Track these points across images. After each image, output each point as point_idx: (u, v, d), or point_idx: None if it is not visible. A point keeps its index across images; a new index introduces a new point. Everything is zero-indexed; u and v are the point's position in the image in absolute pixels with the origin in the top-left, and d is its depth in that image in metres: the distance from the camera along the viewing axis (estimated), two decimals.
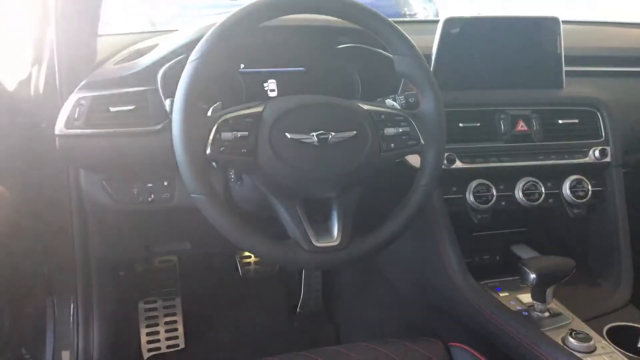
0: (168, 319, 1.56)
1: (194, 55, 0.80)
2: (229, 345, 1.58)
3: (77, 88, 0.97)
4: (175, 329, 1.55)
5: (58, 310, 1.21)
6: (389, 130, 0.86)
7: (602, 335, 0.95)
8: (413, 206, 0.87)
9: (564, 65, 1.19)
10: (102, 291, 1.20)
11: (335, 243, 0.82)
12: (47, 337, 1.21)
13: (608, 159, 1.16)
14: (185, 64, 0.81)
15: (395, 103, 0.94)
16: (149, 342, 1.52)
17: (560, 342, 0.92)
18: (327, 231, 0.83)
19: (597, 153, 1.15)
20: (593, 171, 1.17)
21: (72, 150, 0.97)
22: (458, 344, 0.98)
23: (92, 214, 1.08)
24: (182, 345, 1.54)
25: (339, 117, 0.84)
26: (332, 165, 0.83)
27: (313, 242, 0.81)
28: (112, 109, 0.95)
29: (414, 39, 0.89)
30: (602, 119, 1.18)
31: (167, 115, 0.91)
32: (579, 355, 0.88)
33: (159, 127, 0.96)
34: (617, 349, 0.91)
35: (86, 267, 1.16)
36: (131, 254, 1.30)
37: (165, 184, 1.02)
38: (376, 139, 0.85)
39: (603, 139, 1.18)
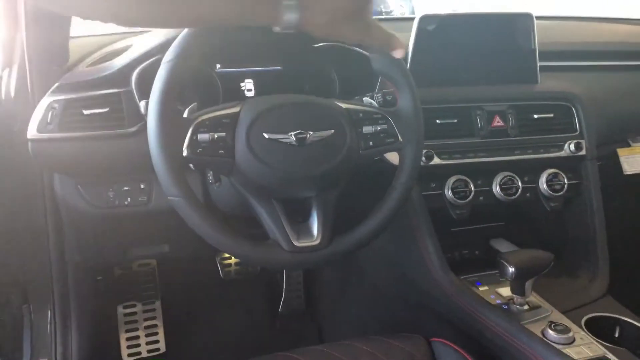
0: (148, 323, 1.54)
1: (169, 55, 0.79)
2: (211, 348, 1.57)
3: (50, 91, 0.95)
4: (156, 333, 1.53)
5: (35, 318, 1.19)
6: (367, 129, 0.86)
7: (580, 327, 0.97)
8: (392, 204, 0.87)
9: (538, 60, 1.20)
10: (80, 297, 1.18)
11: (316, 242, 0.81)
12: (24, 345, 1.19)
13: (583, 152, 1.18)
14: (159, 64, 0.79)
15: (372, 101, 0.94)
16: (129, 347, 1.50)
17: (539, 334, 0.93)
18: (307, 231, 0.83)
19: (572, 146, 1.17)
20: (569, 164, 1.19)
21: (46, 155, 0.95)
22: (440, 340, 0.98)
23: (68, 218, 1.06)
24: (163, 350, 1.52)
25: (317, 116, 0.84)
26: (311, 165, 0.82)
27: (293, 242, 0.80)
28: (86, 112, 0.94)
29: None
30: (577, 113, 1.20)
31: (143, 117, 0.90)
32: (558, 346, 0.89)
33: (134, 129, 0.94)
34: (595, 340, 0.92)
35: (62, 273, 1.14)
36: (109, 259, 1.28)
37: (142, 186, 1.00)
38: (354, 137, 0.85)
39: (578, 132, 1.20)
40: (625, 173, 1.38)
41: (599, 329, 0.97)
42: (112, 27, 1.28)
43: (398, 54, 0.78)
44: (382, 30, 0.74)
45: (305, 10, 0.65)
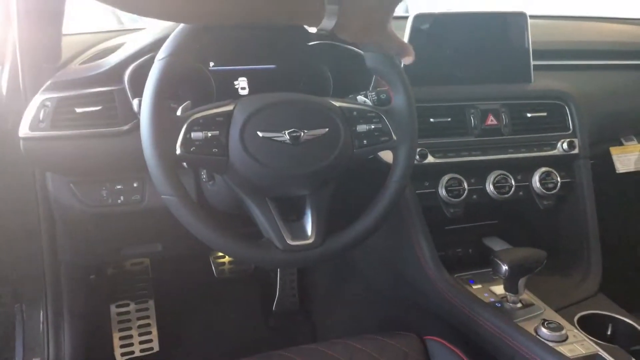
0: (141, 322, 1.53)
1: (162, 53, 0.79)
2: (205, 346, 1.56)
3: (42, 89, 0.94)
4: (149, 332, 1.53)
5: (27, 317, 1.18)
6: (362, 127, 0.86)
7: (573, 324, 0.97)
8: (386, 202, 0.87)
9: (532, 59, 1.20)
10: (73, 296, 1.17)
11: (310, 241, 0.81)
12: (17, 344, 1.18)
13: (576, 151, 1.19)
14: (152, 62, 0.79)
15: (367, 99, 0.94)
16: (122, 346, 1.50)
17: (533, 332, 0.93)
18: (301, 229, 0.83)
19: (565, 145, 1.18)
20: (562, 163, 1.20)
21: (38, 153, 0.94)
22: (433, 338, 0.98)
23: (60, 217, 1.06)
24: (156, 349, 1.52)
25: (311, 114, 0.84)
26: (305, 163, 0.82)
27: (287, 240, 0.80)
28: (78, 110, 0.93)
29: None
30: (570, 111, 1.21)
31: (136, 116, 0.90)
32: (551, 344, 0.90)
33: (127, 127, 0.94)
34: (588, 337, 0.93)
35: (55, 272, 1.13)
36: (102, 258, 1.27)
37: (135, 185, 1.00)
38: (349, 135, 0.85)
39: (571, 131, 1.20)
40: (617, 172, 1.39)
41: (591, 326, 0.97)
42: (107, 24, 1.28)
43: (408, 60, 0.84)
44: (398, 38, 0.80)
45: (343, 17, 0.70)
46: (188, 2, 0.63)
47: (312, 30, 0.72)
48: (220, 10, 0.66)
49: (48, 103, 0.92)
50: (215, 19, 0.71)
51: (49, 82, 0.95)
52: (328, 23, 0.70)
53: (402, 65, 0.89)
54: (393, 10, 0.74)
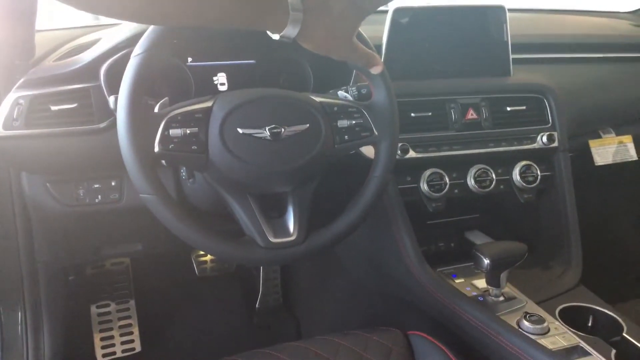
0: (122, 322, 1.52)
1: (138, 48, 0.77)
2: (188, 346, 1.55)
3: (15, 87, 0.92)
4: (131, 332, 1.51)
5: (5, 319, 1.16)
6: (343, 122, 0.85)
7: (554, 317, 0.98)
8: (369, 197, 0.87)
9: (511, 53, 1.21)
10: (51, 297, 1.15)
11: (292, 238, 0.81)
12: None
13: (555, 144, 1.20)
14: (129, 58, 0.78)
15: (347, 95, 0.93)
16: (103, 347, 1.48)
17: (515, 325, 0.94)
18: (283, 226, 0.82)
19: (544, 139, 1.18)
20: (541, 156, 1.21)
21: (12, 153, 0.92)
22: (417, 333, 0.98)
23: (37, 217, 1.04)
24: (138, 349, 1.50)
25: (292, 110, 0.83)
26: (286, 160, 0.81)
27: (269, 238, 0.80)
28: (53, 108, 0.91)
29: (363, 29, 0.88)
30: (549, 105, 1.21)
31: (112, 113, 0.88)
32: (533, 337, 0.91)
33: (103, 125, 0.92)
34: (569, 329, 0.94)
35: (33, 273, 1.11)
36: (80, 258, 1.25)
37: (113, 184, 0.98)
38: (330, 131, 0.84)
39: (550, 124, 1.21)
40: (596, 164, 1.40)
41: (572, 318, 0.98)
42: (82, 20, 1.25)
43: (376, 70, 0.83)
44: (364, 50, 0.79)
45: (307, 26, 0.69)
46: (149, 3, 0.62)
47: (275, 37, 0.71)
48: (179, 13, 0.65)
49: (22, 101, 0.90)
50: (175, 21, 0.70)
51: (22, 80, 0.93)
52: (291, 31, 0.69)
53: (382, 59, 0.89)
54: (358, 24, 0.74)
